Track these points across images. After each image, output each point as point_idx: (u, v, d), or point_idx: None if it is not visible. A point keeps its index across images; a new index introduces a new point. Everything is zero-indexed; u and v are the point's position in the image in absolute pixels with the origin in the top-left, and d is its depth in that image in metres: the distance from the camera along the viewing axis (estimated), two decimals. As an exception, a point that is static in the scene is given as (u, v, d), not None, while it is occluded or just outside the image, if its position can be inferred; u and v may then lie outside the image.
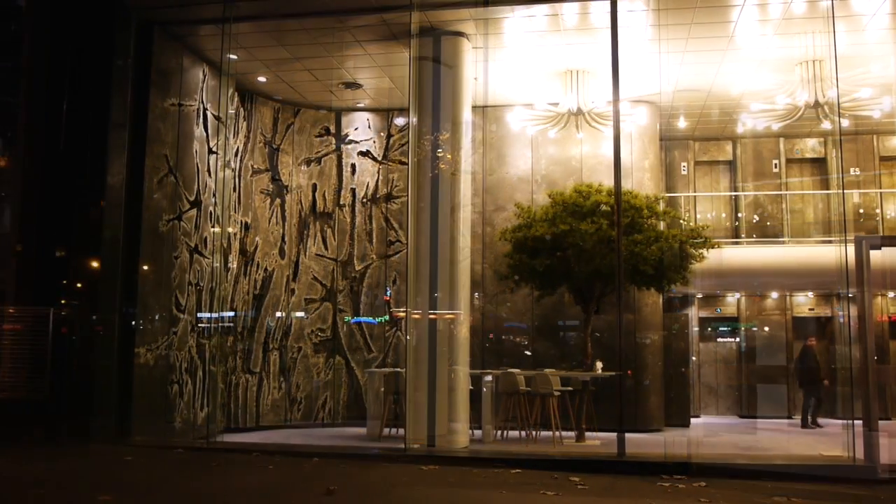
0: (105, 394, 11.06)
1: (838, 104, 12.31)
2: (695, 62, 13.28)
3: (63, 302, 11.33)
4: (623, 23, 11.35)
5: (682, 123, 16.77)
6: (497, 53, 13.06)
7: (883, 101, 13.21)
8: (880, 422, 9.22)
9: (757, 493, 7.88)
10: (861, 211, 17.74)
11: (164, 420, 12.10)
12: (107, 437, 10.84)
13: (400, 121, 15.86)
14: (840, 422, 16.08)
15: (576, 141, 15.20)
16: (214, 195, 13.53)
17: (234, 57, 12.73)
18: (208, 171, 13.42)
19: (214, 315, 13.23)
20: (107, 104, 11.44)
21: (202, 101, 13.33)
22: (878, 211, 17.66)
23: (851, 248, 9.98)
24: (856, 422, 9.33)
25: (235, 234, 14.40)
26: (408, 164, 13.44)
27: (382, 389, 13.14)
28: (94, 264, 11.24)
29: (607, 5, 11.02)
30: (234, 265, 14.27)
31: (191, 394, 12.77)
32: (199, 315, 12.99)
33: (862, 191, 17.74)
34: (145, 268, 11.74)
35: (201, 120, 13.27)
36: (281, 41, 12.69)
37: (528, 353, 15.06)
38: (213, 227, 13.45)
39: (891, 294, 17.73)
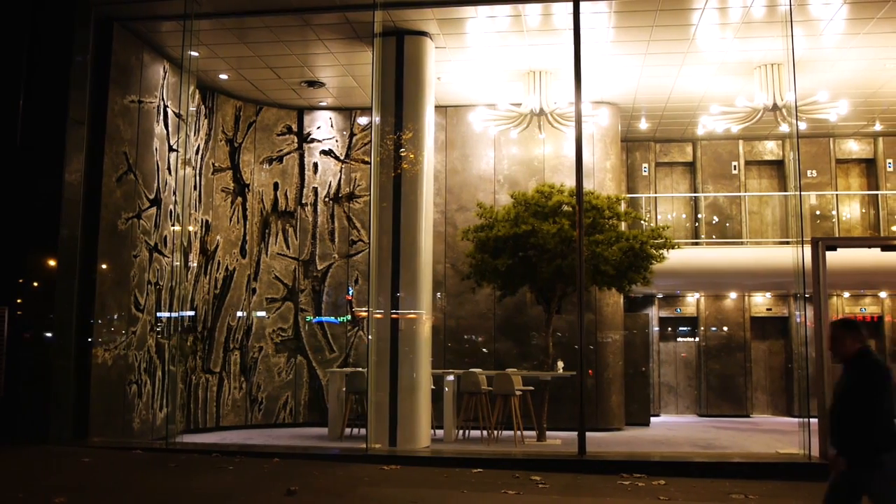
0: (62, 394, 10.91)
1: (796, 107, 12.52)
2: (656, 64, 13.42)
3: (19, 301, 11.13)
4: (585, 24, 11.43)
5: (643, 125, 16.94)
6: (460, 54, 13.09)
7: (839, 105, 13.47)
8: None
9: (715, 491, 7.98)
10: (818, 213, 18.05)
11: (122, 420, 11.96)
12: (64, 438, 10.68)
13: (363, 120, 15.83)
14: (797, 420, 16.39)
15: (538, 141, 15.28)
16: (175, 193, 13.39)
17: (195, 54, 12.61)
18: (168, 168, 13.28)
19: (174, 314, 13.10)
20: (65, 100, 11.24)
21: (163, 98, 13.18)
22: (833, 212, 17.98)
23: (808, 249, 10.13)
24: (811, 420, 9.49)
25: (196, 233, 14.27)
26: (370, 164, 13.43)
27: (344, 389, 13.11)
28: (52, 262, 11.05)
29: (570, 7, 11.08)
30: (195, 264, 14.15)
31: (150, 394, 12.62)
32: (158, 314, 12.85)
33: (818, 192, 18.05)
34: (104, 266, 11.59)
35: (161, 117, 13.12)
36: (243, 38, 12.60)
37: (489, 352, 15.11)
38: (173, 225, 13.31)
39: (846, 294, 18.06)
